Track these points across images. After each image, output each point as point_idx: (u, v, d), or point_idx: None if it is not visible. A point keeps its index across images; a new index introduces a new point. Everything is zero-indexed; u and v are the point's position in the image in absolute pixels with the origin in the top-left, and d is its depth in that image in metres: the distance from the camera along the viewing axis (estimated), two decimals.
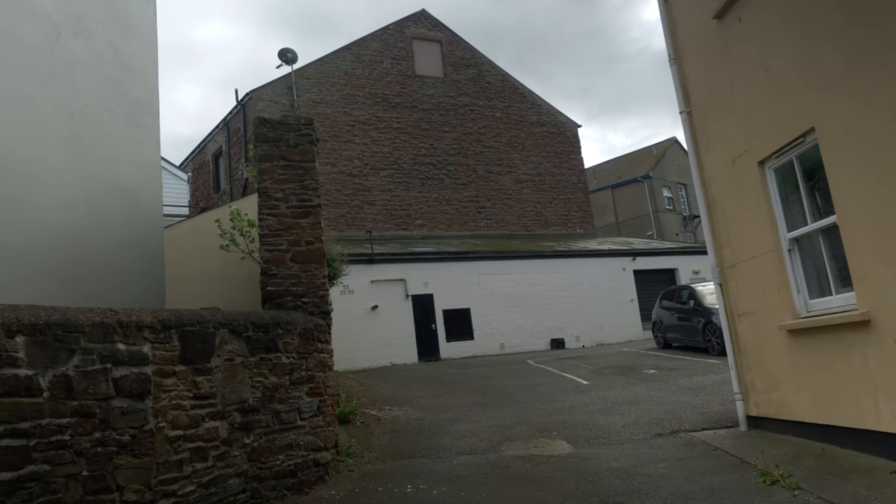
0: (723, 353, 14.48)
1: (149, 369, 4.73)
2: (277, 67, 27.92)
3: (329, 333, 6.75)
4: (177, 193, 27.45)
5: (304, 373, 6.23)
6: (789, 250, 6.42)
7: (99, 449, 4.30)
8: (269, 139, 6.99)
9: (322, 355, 6.53)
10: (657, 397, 9.98)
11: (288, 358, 6.09)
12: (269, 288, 6.66)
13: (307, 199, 6.98)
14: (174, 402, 4.89)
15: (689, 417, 8.26)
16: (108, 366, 4.45)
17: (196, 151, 32.46)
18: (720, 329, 14.83)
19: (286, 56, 28.04)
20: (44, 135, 6.27)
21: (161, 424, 4.75)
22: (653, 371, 13.20)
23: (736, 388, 7.50)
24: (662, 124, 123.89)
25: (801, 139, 5.98)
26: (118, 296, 6.45)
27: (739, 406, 7.44)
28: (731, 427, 7.55)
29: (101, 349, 4.42)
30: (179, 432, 4.90)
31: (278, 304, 6.65)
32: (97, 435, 4.31)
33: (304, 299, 6.72)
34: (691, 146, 7.94)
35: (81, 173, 6.58)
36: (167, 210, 25.04)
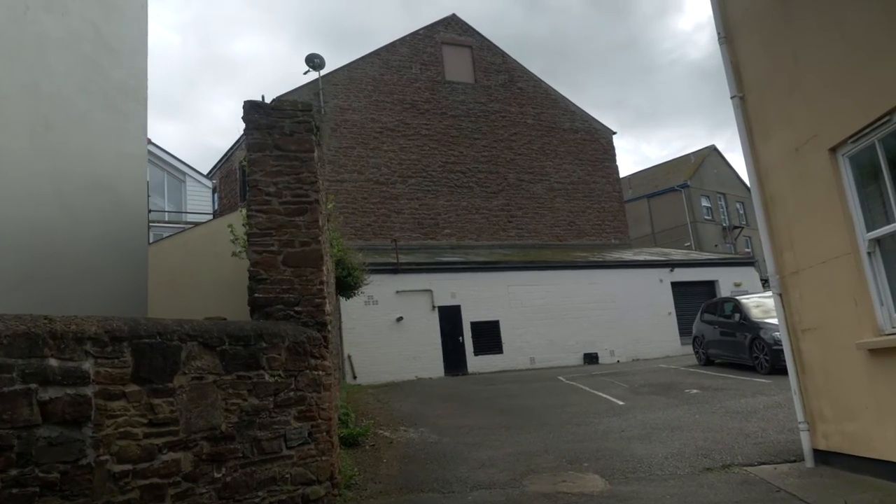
0: (773, 372, 13.37)
1: (89, 390, 3.90)
2: (305, 73, 27.42)
3: (326, 347, 5.87)
4: (201, 201, 27.15)
5: (292, 393, 5.35)
6: (869, 253, 5.37)
7: (14, 490, 3.47)
8: (262, 126, 6.17)
9: (316, 373, 5.65)
10: (703, 422, 8.89)
11: (273, 376, 5.22)
12: (256, 295, 5.81)
13: (303, 195, 6.13)
14: (122, 429, 4.05)
15: (743, 448, 7.18)
16: (34, 386, 3.63)
17: (223, 160, 32.12)
18: (769, 345, 13.71)
19: (313, 62, 27.52)
20: (4, 118, 5.54)
21: (103, 458, 3.91)
22: (695, 391, 12.07)
23: (800, 417, 6.41)
24: (698, 135, 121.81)
25: (887, 118, 4.94)
26: (87, 300, 5.69)
27: (804, 437, 6.35)
28: (795, 462, 6.45)
29: (24, 366, 3.60)
30: (128, 467, 4.05)
31: (267, 314, 5.80)
32: (13, 472, 3.48)
33: (296, 308, 5.86)
34: (744, 136, 6.92)
35: (50, 162, 5.84)
36: (191, 217, 24.66)
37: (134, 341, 4.21)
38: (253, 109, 6.19)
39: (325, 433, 5.65)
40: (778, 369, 13.19)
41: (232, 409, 4.85)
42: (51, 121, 5.88)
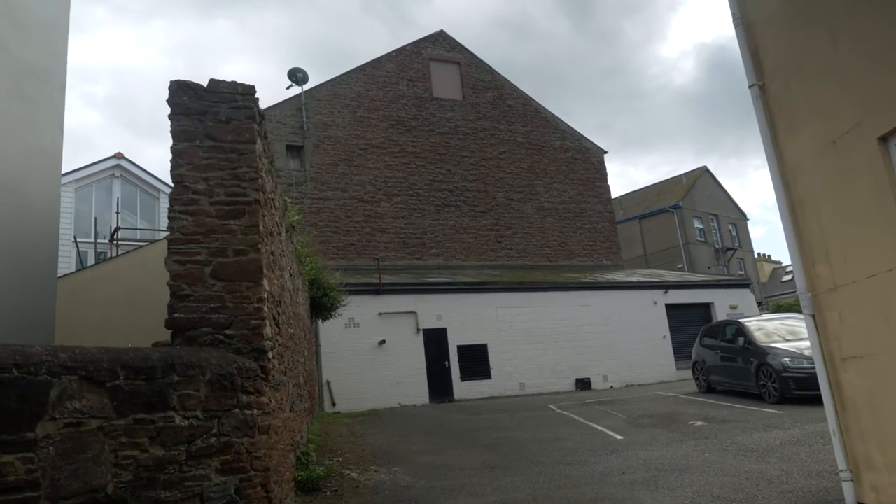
0: (782, 401, 12.24)
1: None
2: (287, 88, 26.49)
3: (264, 380, 4.75)
4: None
5: (213, 440, 4.23)
6: None
7: None
8: (191, 112, 5.10)
9: (248, 412, 4.52)
10: (714, 462, 7.78)
11: (187, 418, 4.10)
12: (176, 315, 4.69)
13: (241, 193, 5.05)
14: None
15: (768, 498, 6.06)
16: None
17: None
18: (778, 372, 12.58)
19: (296, 76, 26.64)
20: None
21: None
22: (700, 423, 10.97)
23: (841, 463, 5.32)
24: (684, 159, 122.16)
25: None
26: None
27: (847, 488, 5.26)
28: None
29: None
30: None
31: (191, 338, 4.68)
32: None
33: (227, 331, 4.74)
34: (766, 130, 5.91)
35: None
36: (165, 234, 23.52)
37: None
38: (181, 91, 5.11)
39: (259, 488, 4.51)
40: (787, 398, 12.14)
41: (125, 463, 3.71)
42: None
